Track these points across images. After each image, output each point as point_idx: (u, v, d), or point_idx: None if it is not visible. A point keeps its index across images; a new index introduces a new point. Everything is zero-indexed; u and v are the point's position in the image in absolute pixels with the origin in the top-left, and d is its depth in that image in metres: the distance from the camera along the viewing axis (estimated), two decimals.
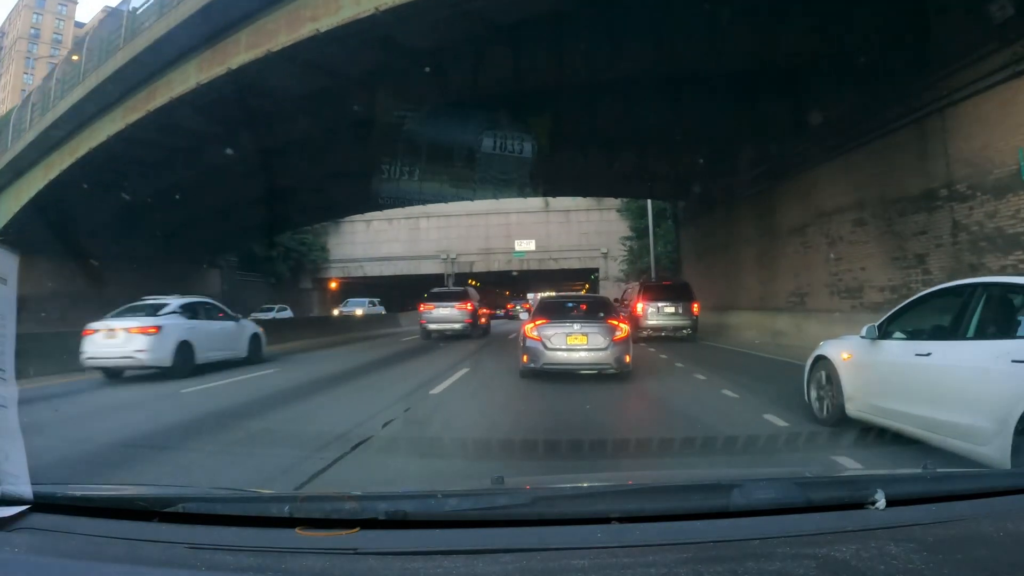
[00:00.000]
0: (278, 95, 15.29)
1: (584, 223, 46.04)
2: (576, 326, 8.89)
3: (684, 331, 16.01)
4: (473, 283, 53.33)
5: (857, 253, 12.71)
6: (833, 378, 5.55)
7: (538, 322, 8.89)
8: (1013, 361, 3.56)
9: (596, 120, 15.97)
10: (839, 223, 13.30)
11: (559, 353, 8.68)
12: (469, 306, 19.91)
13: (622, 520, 1.42)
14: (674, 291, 16.97)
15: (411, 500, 1.61)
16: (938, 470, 1.81)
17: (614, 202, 43.37)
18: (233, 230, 28.71)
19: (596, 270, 44.98)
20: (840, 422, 5.30)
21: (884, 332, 5.02)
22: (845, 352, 5.50)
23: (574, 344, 8.72)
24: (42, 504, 1.48)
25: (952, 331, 4.33)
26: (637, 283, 19.28)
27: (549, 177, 19.84)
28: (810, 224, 14.38)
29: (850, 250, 12.95)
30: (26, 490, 1.47)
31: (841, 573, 1.23)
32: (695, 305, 16.33)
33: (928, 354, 4.37)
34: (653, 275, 28.50)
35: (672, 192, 23.66)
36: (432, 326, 19.15)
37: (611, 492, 1.72)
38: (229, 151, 18.87)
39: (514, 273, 49.57)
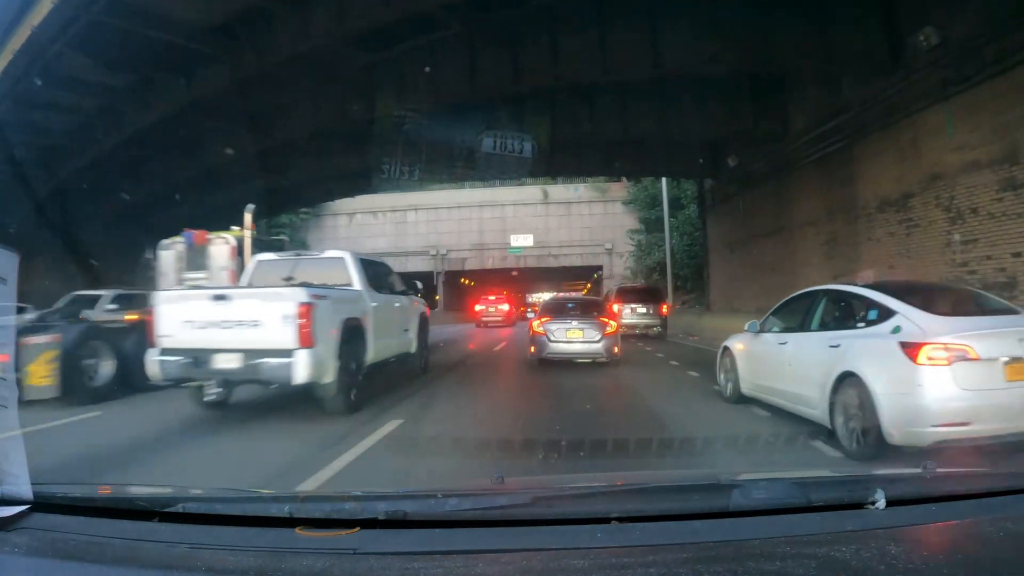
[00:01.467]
0: (177, 25, 11.83)
1: (586, 216, 42.46)
2: (574, 323, 10.75)
3: (654, 329, 17.82)
4: (466, 282, 48.51)
5: (1006, 232, 8.79)
6: (733, 365, 7.04)
7: (543, 319, 10.83)
8: (830, 346, 5.13)
9: (604, 54, 12.26)
10: (970, 189, 9.33)
11: (560, 345, 10.61)
12: (508, 307, 32.71)
13: (622, 520, 1.44)
14: (646, 294, 19.34)
15: (411, 500, 1.63)
16: (938, 470, 1.81)
17: (619, 193, 40.12)
18: (187, 217, 23.85)
19: (599, 268, 41.36)
20: (739, 400, 6.81)
21: (763, 327, 6.59)
22: (740, 344, 7.02)
23: (572, 338, 10.64)
24: (42, 504, 1.48)
25: (802, 325, 5.88)
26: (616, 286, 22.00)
27: (547, 147, 15.02)
28: (917, 193, 10.37)
29: (992, 228, 9.00)
30: (26, 490, 1.47)
31: (841, 573, 1.24)
32: (664, 306, 18.77)
33: (785, 343, 6.01)
34: (669, 273, 25.70)
35: (698, 167, 18.89)
36: (484, 318, 30.24)
37: (611, 492, 1.73)
38: (153, 113, 15.55)
39: (514, 273, 47.56)
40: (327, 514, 1.49)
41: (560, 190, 41.71)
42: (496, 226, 40.63)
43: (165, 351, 6.05)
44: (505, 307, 32.08)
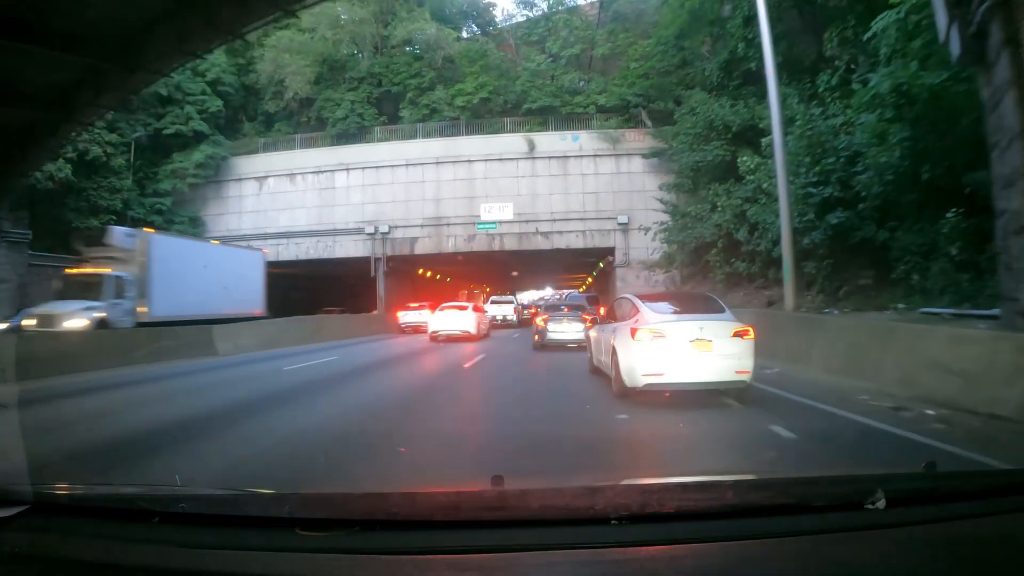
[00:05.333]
0: None
1: (590, 177, 31.87)
2: (564, 320, 17.52)
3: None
4: (427, 274, 34.27)
5: None
6: (589, 348, 11.67)
7: (544, 317, 18.03)
8: (612, 331, 9.08)
9: None
10: None
11: (555, 335, 17.21)
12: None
13: (622, 520, 1.54)
14: (590, 301, 25.68)
15: (411, 500, 1.74)
16: (938, 470, 1.94)
17: (638, 142, 30.48)
18: None
19: (610, 251, 31.60)
20: (593, 371, 10.73)
21: (601, 321, 11.28)
22: (592, 333, 11.47)
23: (564, 329, 17.26)
24: (42, 504, 1.59)
25: (613, 319, 9.69)
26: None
27: None
28: None
29: None
30: (26, 490, 1.59)
31: (841, 573, 1.33)
32: (601, 308, 23.22)
33: (603, 330, 10.06)
34: (786, 244, 13.32)
35: None
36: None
37: (611, 492, 1.81)
38: None
39: (514, 273, 45.22)
40: (327, 514, 1.56)
41: (552, 140, 27.55)
42: (460, 191, 26.75)
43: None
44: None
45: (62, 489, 1.70)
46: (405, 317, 27.46)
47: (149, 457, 5.27)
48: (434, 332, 21.55)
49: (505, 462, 5.04)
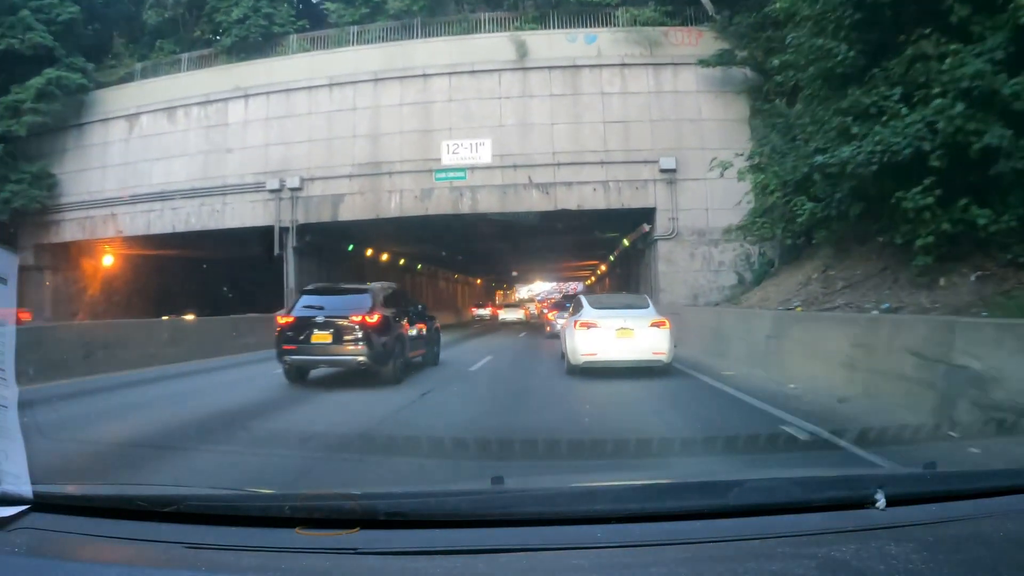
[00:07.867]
0: None
1: (615, 97, 20.62)
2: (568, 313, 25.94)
3: None
4: (381, 257, 24.44)
5: None
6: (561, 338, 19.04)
7: (552, 312, 28.11)
8: (567, 322, 16.50)
9: None
10: None
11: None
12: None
13: (622, 520, 1.61)
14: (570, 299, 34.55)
15: (411, 500, 1.80)
16: (938, 470, 2.01)
17: (689, 47, 20.06)
18: None
19: (649, 214, 20.60)
20: (562, 358, 14.23)
21: (568, 315, 19.80)
22: (562, 325, 20.96)
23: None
24: (42, 504, 1.64)
25: (574, 313, 16.16)
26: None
27: None
28: None
29: None
30: (26, 490, 1.61)
31: (841, 573, 1.31)
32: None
33: (562, 322, 19.62)
34: None
35: None
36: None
37: (611, 492, 1.92)
38: None
39: (514, 276, 56.32)
40: (327, 514, 1.63)
41: (554, 42, 14.97)
42: (410, 122, 13.98)
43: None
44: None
45: (62, 489, 1.79)
46: (477, 312, 49.64)
47: None
48: (502, 319, 41.24)
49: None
